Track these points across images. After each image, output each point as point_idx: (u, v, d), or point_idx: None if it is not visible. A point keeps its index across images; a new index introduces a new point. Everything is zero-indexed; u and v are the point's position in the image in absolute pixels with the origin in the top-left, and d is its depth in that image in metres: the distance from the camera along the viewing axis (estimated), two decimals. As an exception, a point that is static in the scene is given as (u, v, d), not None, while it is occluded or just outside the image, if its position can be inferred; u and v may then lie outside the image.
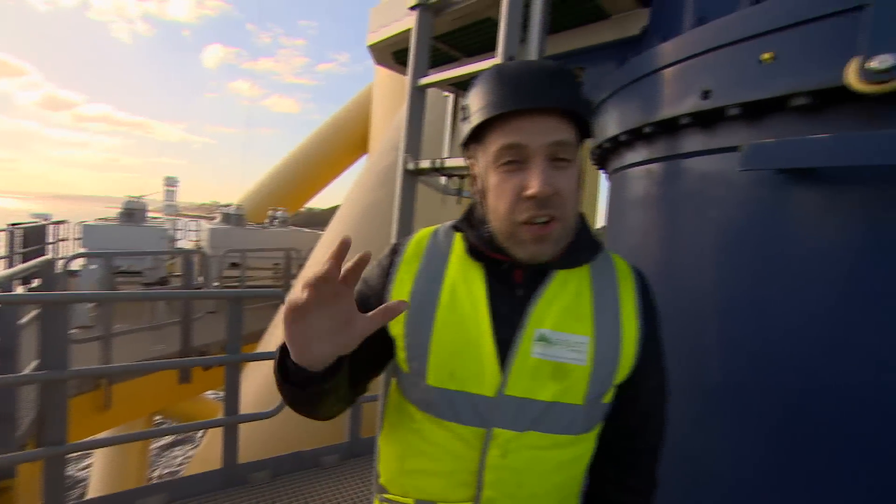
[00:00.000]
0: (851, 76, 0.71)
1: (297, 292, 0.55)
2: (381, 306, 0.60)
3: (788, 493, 0.87)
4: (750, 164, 0.87)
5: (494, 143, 0.65)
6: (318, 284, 0.54)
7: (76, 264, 6.27)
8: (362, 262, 0.55)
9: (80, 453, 8.46)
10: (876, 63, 0.66)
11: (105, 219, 8.25)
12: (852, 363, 0.79)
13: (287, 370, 0.62)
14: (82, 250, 6.76)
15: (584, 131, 0.68)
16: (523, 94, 0.63)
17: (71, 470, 7.90)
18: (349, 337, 0.59)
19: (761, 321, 0.91)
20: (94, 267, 5.83)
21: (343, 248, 0.54)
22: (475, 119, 0.66)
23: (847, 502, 0.80)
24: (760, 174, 0.93)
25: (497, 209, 0.67)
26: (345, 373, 0.65)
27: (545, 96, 0.63)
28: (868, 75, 0.68)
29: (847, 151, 0.73)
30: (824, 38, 0.81)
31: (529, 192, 0.62)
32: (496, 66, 0.68)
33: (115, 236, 7.14)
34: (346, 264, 0.56)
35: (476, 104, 0.67)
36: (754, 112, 0.94)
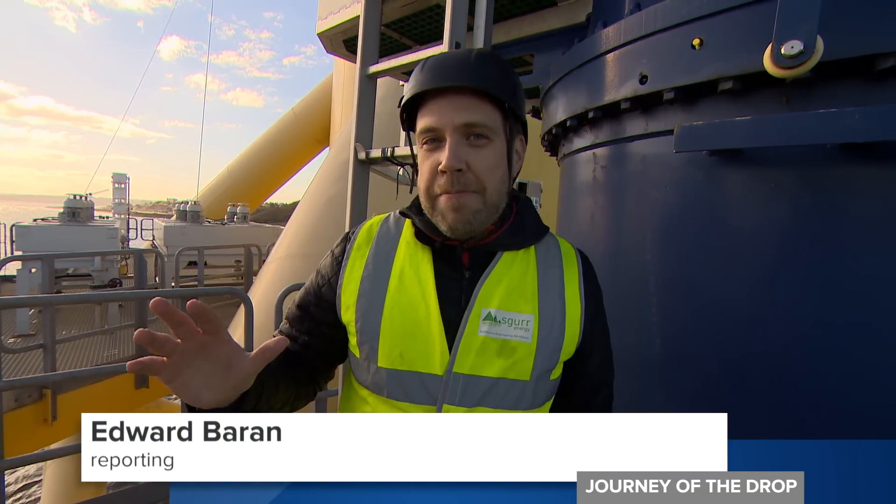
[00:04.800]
0: (767, 61, 0.75)
1: (147, 359, 0.53)
2: (260, 346, 0.59)
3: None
4: (682, 146, 0.91)
5: (418, 125, 0.70)
6: (161, 346, 0.53)
7: (10, 269, 5.82)
8: (198, 311, 0.54)
9: (26, 478, 7.96)
10: (786, 48, 0.70)
11: (44, 219, 7.67)
12: (771, 332, 0.85)
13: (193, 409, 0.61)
14: (18, 253, 6.27)
15: (509, 113, 0.70)
16: (433, 77, 0.67)
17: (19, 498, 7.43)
18: (236, 380, 0.58)
19: (693, 295, 0.96)
20: (33, 271, 5.44)
21: (162, 307, 0.52)
22: (400, 106, 0.71)
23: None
24: (694, 156, 0.97)
25: (420, 186, 0.71)
26: (264, 395, 0.65)
27: (452, 77, 0.66)
28: (781, 60, 0.72)
29: (764, 133, 0.77)
30: (747, 24, 0.86)
31: (440, 167, 0.66)
32: (425, 58, 0.71)
33: (56, 237, 6.63)
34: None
35: (404, 96, 0.71)
36: (688, 96, 0.98)
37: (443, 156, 0.66)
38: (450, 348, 0.68)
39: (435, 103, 0.67)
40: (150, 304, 0.52)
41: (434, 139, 0.68)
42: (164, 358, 0.54)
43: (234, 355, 0.58)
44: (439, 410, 0.68)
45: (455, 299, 0.70)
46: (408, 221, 0.77)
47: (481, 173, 0.67)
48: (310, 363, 0.78)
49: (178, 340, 0.54)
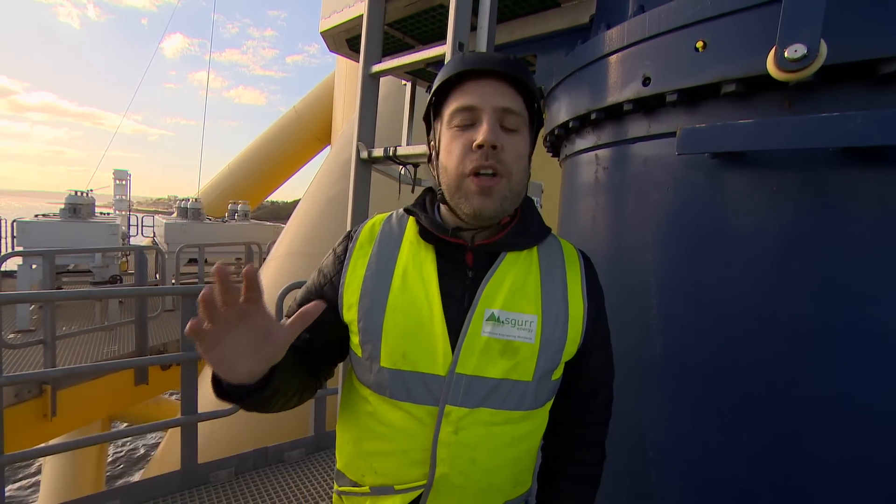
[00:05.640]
0: (770, 64, 0.75)
1: (198, 322, 0.54)
2: (297, 311, 0.60)
3: (711, 460, 0.93)
4: (685, 149, 0.91)
5: (450, 107, 0.71)
6: (209, 311, 0.54)
7: (11, 264, 5.83)
8: (251, 276, 0.56)
9: (23, 474, 7.98)
10: (790, 52, 0.70)
11: (45, 215, 7.67)
12: (772, 335, 0.85)
13: (221, 387, 0.62)
14: (18, 249, 6.27)
15: (535, 114, 0.73)
16: (477, 61, 0.69)
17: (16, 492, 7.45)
18: (271, 349, 0.59)
19: (694, 297, 0.96)
20: (34, 267, 5.45)
21: (221, 275, 0.53)
22: (434, 86, 0.72)
23: (762, 466, 0.86)
24: (697, 158, 0.97)
25: (447, 166, 0.71)
26: (285, 376, 0.66)
27: (497, 64, 0.69)
28: (784, 63, 0.72)
29: (766, 136, 0.77)
30: (751, 27, 0.86)
31: (477, 141, 0.67)
32: (462, 51, 0.75)
33: (57, 233, 6.64)
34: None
35: (437, 80, 0.73)
36: (691, 98, 0.98)
37: (478, 133, 0.67)
38: (453, 348, 0.68)
39: (475, 85, 0.69)
40: (213, 271, 0.53)
41: (467, 121, 0.69)
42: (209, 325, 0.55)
43: (271, 324, 0.59)
44: (441, 411, 0.68)
45: (458, 299, 0.70)
46: (411, 220, 0.77)
47: (512, 159, 0.69)
48: (311, 361, 0.78)
49: (223, 309, 0.54)
